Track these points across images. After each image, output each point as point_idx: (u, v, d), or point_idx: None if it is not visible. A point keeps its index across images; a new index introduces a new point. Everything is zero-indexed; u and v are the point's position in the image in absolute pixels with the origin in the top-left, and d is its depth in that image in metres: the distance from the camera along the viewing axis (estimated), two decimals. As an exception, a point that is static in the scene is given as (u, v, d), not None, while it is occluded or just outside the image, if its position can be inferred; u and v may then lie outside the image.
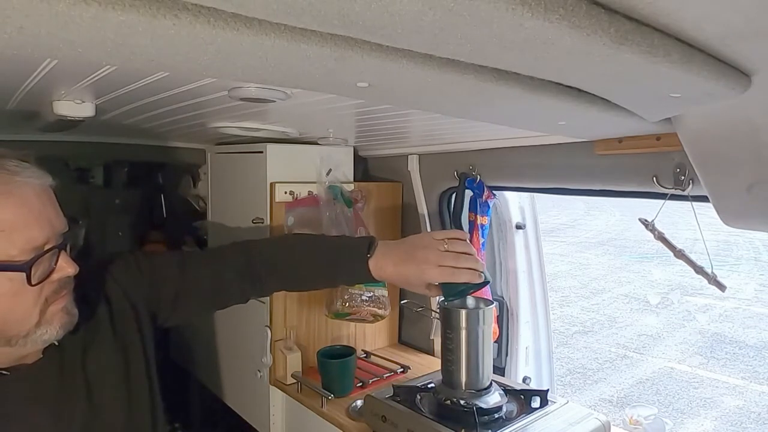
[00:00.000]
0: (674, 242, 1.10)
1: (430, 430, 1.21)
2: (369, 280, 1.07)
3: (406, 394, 1.33)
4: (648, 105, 0.79)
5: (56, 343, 0.88)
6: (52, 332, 0.83)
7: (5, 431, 0.84)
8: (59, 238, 0.83)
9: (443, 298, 1.08)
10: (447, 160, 1.66)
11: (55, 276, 0.82)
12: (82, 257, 0.88)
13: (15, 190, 0.76)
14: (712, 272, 1.03)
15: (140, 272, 1.07)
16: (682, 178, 1.09)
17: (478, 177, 1.57)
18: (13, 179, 0.77)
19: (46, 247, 0.79)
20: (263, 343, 1.66)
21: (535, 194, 1.66)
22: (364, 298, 1.63)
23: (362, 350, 1.85)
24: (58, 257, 0.82)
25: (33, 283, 0.78)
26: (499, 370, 1.67)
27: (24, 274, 0.76)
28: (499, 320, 1.67)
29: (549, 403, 1.31)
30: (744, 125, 0.75)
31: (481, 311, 1.32)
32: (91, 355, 0.95)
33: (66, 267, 0.82)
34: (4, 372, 0.84)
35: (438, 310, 1.44)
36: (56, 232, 0.82)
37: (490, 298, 1.52)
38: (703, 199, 1.04)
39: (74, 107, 1.06)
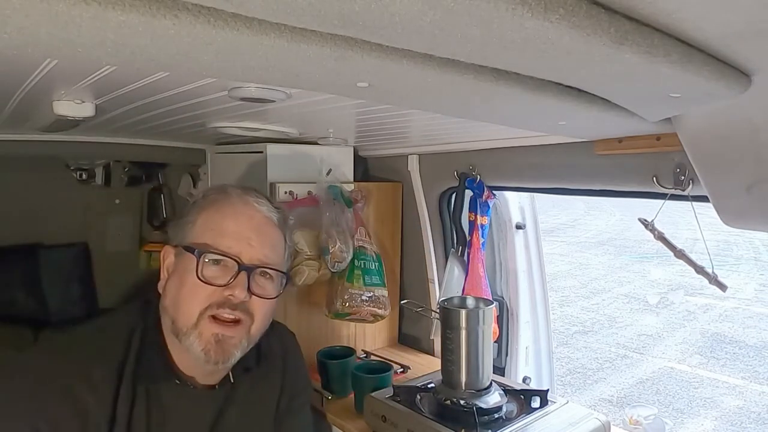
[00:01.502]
0: (674, 242, 1.10)
1: (430, 430, 1.21)
2: None
3: (406, 394, 1.33)
4: (648, 105, 0.79)
5: (231, 380, 0.98)
6: (197, 347, 0.88)
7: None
8: (252, 264, 0.90)
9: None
10: (447, 160, 1.66)
11: (226, 291, 0.88)
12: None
13: (237, 206, 0.93)
14: (712, 272, 1.03)
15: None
16: (682, 178, 1.09)
17: (478, 177, 1.56)
18: (241, 199, 0.94)
19: (232, 258, 0.89)
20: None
21: (535, 194, 1.66)
22: (364, 298, 1.63)
23: (362, 350, 1.85)
24: (236, 275, 0.88)
25: (198, 274, 0.87)
26: (499, 370, 1.67)
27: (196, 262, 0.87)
28: (499, 320, 1.67)
29: (549, 403, 1.31)
30: (744, 125, 0.75)
31: (481, 311, 1.32)
32: (250, 410, 1.01)
33: (235, 287, 0.88)
34: (189, 384, 0.93)
35: (438, 310, 1.44)
36: (253, 256, 0.91)
37: (490, 298, 1.52)
38: (703, 199, 1.03)
39: (74, 107, 1.06)
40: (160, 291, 0.94)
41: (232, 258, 0.89)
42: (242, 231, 0.91)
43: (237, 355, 0.91)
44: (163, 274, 0.95)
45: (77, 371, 0.84)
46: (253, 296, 0.90)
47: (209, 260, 0.88)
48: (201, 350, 0.87)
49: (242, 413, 1.00)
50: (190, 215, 0.94)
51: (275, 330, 1.11)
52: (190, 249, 0.89)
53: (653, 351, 5.93)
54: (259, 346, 1.02)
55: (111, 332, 0.91)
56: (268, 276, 0.93)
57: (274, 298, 0.94)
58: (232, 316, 0.89)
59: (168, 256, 0.95)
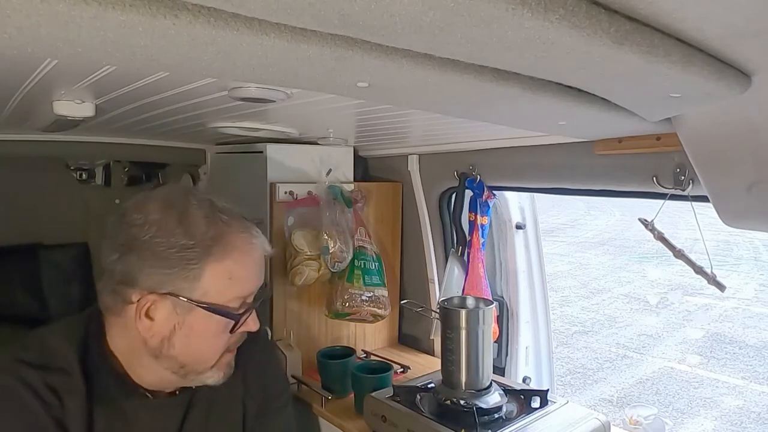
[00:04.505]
0: (674, 242, 1.10)
1: (430, 430, 1.21)
2: None
3: (406, 394, 1.33)
4: (648, 105, 0.79)
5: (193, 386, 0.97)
6: (216, 378, 0.91)
7: None
8: (256, 296, 0.92)
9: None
10: (447, 160, 1.66)
11: (243, 329, 0.90)
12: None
13: (254, 250, 0.91)
14: (711, 272, 1.03)
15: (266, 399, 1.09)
16: (682, 178, 1.09)
17: (478, 177, 1.56)
18: (254, 241, 0.91)
19: (248, 301, 0.90)
20: (263, 343, 1.66)
21: (535, 194, 1.66)
22: (364, 298, 1.63)
23: (362, 350, 1.85)
24: (250, 313, 0.91)
25: (236, 329, 0.89)
26: (499, 370, 1.67)
27: (231, 322, 0.87)
28: (499, 320, 1.66)
29: (549, 403, 1.31)
30: (744, 125, 0.75)
31: (481, 311, 1.32)
32: (215, 411, 1.01)
33: (252, 324, 0.91)
34: (148, 395, 0.92)
35: (438, 310, 1.44)
36: (256, 290, 0.93)
37: (490, 298, 1.52)
38: (703, 199, 1.03)
39: (74, 107, 1.06)
40: (146, 338, 0.84)
41: (251, 303, 0.92)
42: (257, 272, 0.92)
43: None
44: (148, 324, 0.83)
45: (28, 385, 0.80)
46: None
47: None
48: (222, 376, 0.91)
49: (206, 416, 0.99)
50: (191, 264, 0.81)
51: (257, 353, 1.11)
52: (219, 311, 0.84)
53: (653, 351, 5.94)
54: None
55: (53, 348, 0.85)
56: None
57: None
58: (239, 344, 0.94)
59: (158, 308, 0.82)
